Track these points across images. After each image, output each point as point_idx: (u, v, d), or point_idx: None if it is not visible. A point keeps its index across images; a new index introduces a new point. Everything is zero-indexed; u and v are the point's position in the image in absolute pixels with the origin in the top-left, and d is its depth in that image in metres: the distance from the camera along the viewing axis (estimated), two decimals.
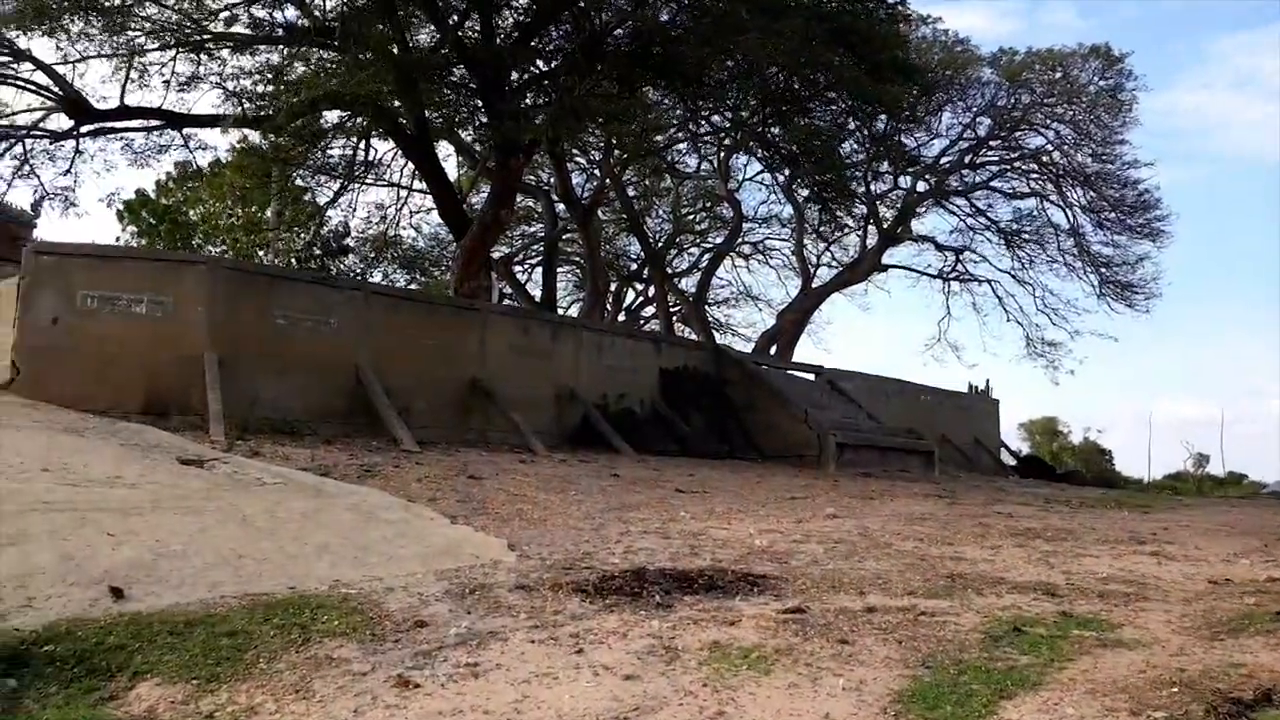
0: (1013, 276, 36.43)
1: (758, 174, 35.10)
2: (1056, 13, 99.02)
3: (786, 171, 28.24)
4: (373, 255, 39.15)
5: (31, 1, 15.95)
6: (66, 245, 15.58)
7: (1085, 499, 18.09)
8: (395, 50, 17.54)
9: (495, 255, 30.71)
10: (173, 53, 19.98)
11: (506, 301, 34.49)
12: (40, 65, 17.91)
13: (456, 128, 24.11)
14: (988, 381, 36.39)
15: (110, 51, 18.81)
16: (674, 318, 37.89)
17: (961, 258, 37.02)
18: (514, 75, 19.78)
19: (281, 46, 20.80)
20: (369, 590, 6.92)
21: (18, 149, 19.15)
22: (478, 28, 19.37)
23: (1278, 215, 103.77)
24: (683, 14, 19.62)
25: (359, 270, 40.29)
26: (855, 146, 29.58)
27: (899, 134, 29.66)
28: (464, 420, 18.36)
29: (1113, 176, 33.41)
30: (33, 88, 18.00)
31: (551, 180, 32.92)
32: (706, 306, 38.54)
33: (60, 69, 18.56)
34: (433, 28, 21.02)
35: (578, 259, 39.69)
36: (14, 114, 18.66)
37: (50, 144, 19.49)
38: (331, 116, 24.19)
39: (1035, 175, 35.08)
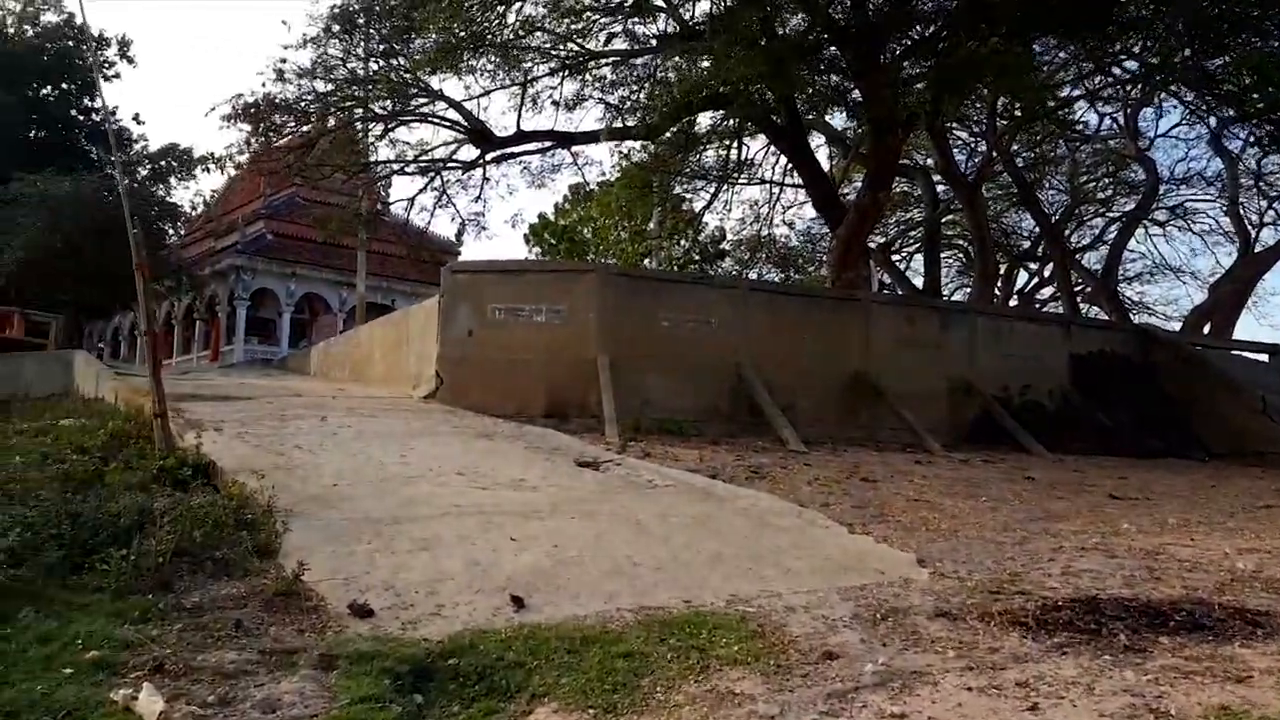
0: None
1: (1173, 128, 30.25)
2: None
3: (1221, 114, 23.81)
4: (747, 256, 39.40)
5: (439, 45, 17.69)
6: (477, 263, 16.95)
7: None
8: (764, 39, 17.05)
9: (871, 245, 29.34)
10: (559, 77, 21.24)
11: (886, 291, 32.90)
12: (451, 103, 19.92)
13: (829, 108, 23.17)
14: None
15: (506, 83, 20.41)
16: (1077, 298, 33.88)
17: None
18: (889, 46, 18.46)
19: (654, 56, 21.25)
20: (768, 609, 6.24)
21: (436, 181, 21.53)
22: (847, 3, 18.33)
23: None
24: None
25: (736, 272, 40.80)
26: None
27: None
28: (849, 417, 17.35)
29: None
30: (446, 124, 20.05)
31: (929, 160, 30.81)
32: (1117, 283, 33.97)
33: (467, 105, 20.52)
34: (801, 15, 20.31)
35: (961, 242, 36.89)
36: (432, 149, 20.98)
37: (462, 174, 21.70)
38: (704, 122, 24.45)
39: None
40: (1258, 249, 30.25)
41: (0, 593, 5.29)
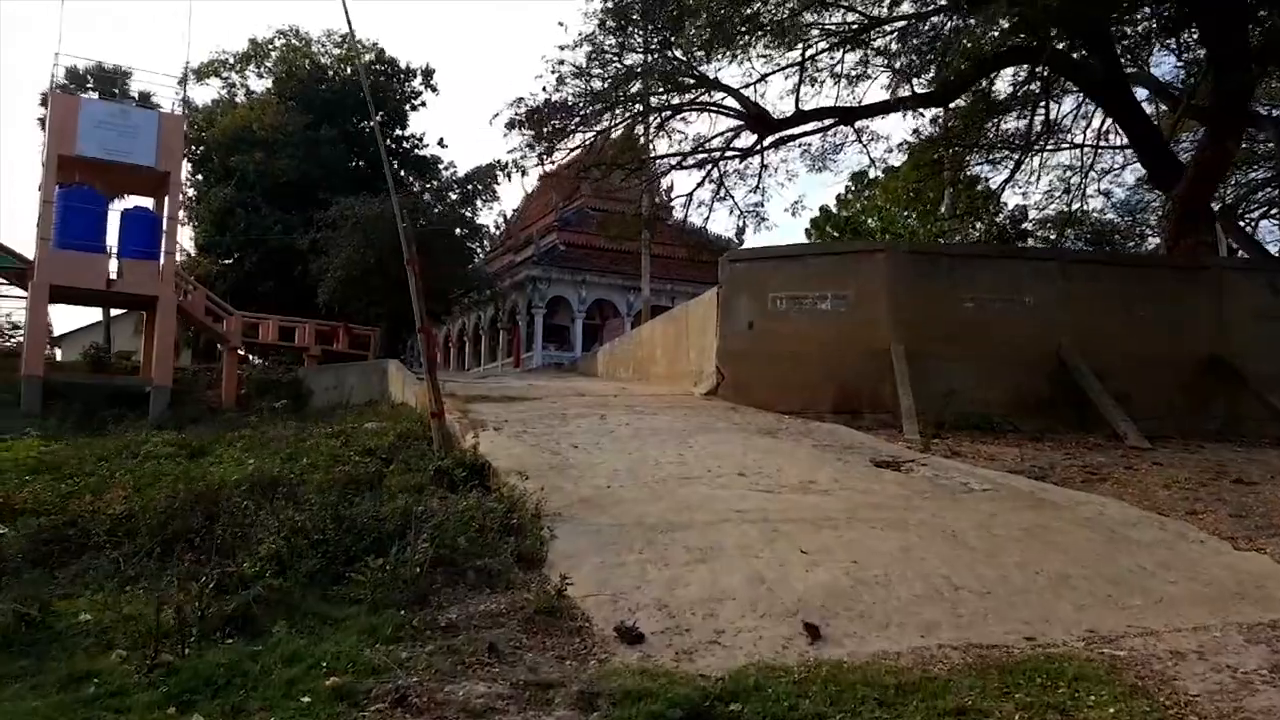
0: None
1: None
2: None
3: None
4: (1055, 235, 35.46)
5: (711, 25, 16.97)
6: (755, 250, 15.99)
7: None
8: None
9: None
10: (839, 51, 19.83)
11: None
12: (727, 90, 19.13)
13: (1154, 49, 19.92)
14: None
15: (782, 64, 19.33)
16: None
17: None
18: None
19: (947, 15, 19.27)
20: (1144, 653, 4.75)
21: (714, 173, 20.86)
22: None
23: None
24: None
25: None
26: None
27: None
28: (1200, 407, 14.54)
29: None
30: (722, 111, 19.31)
31: None
32: None
33: (743, 92, 19.67)
34: None
35: None
36: (708, 140, 20.35)
37: (739, 162, 20.87)
38: (1001, 87, 22.01)
39: None
40: None
41: (259, 603, 5.00)
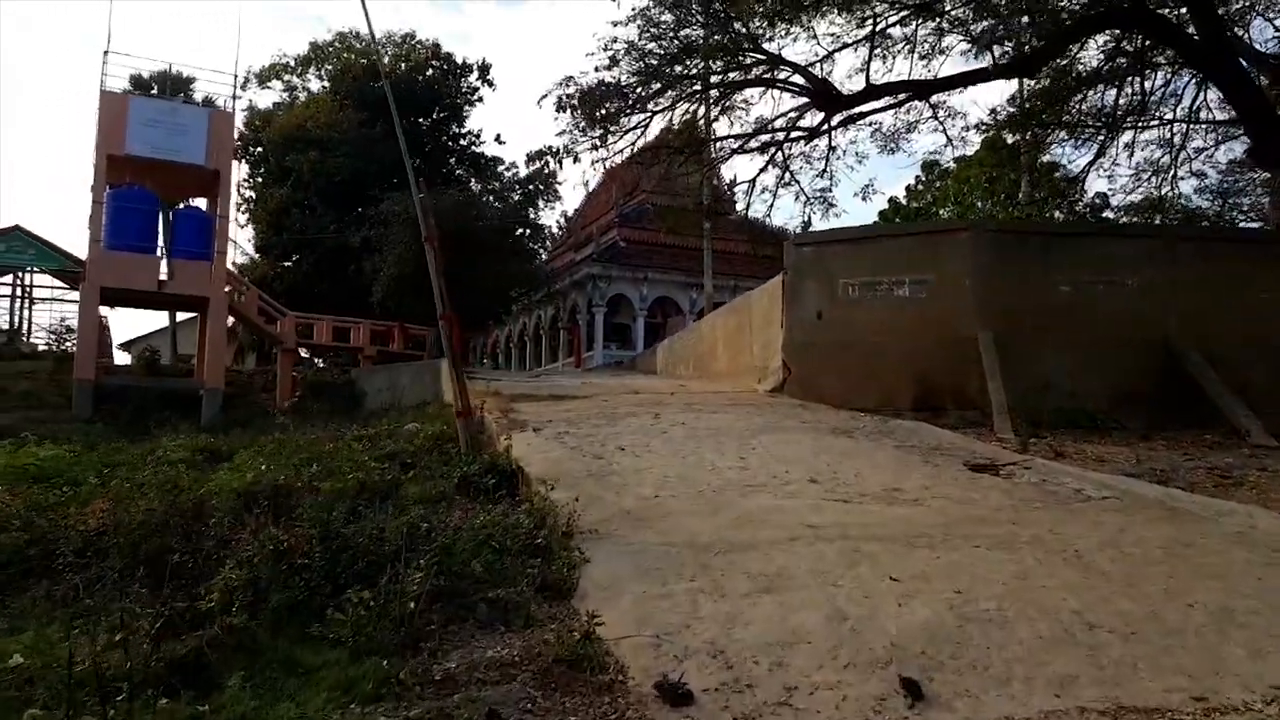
0: None
1: None
2: None
3: None
4: (1140, 222, 33.26)
5: None
6: (824, 233, 14.72)
7: None
8: None
9: None
10: (911, 24, 18.41)
11: None
12: (792, 66, 17.87)
13: (1260, 7, 18.12)
14: None
15: (850, 39, 18.01)
16: None
17: None
18: None
19: None
20: None
21: (778, 157, 19.61)
22: None
23: None
24: None
25: None
26: None
27: None
28: None
29: None
30: (787, 87, 18.01)
31: None
32: None
33: (810, 70, 18.37)
34: None
35: None
36: (772, 122, 19.09)
37: (805, 144, 19.57)
38: (1088, 61, 20.35)
39: None
40: None
41: (216, 647, 4.01)
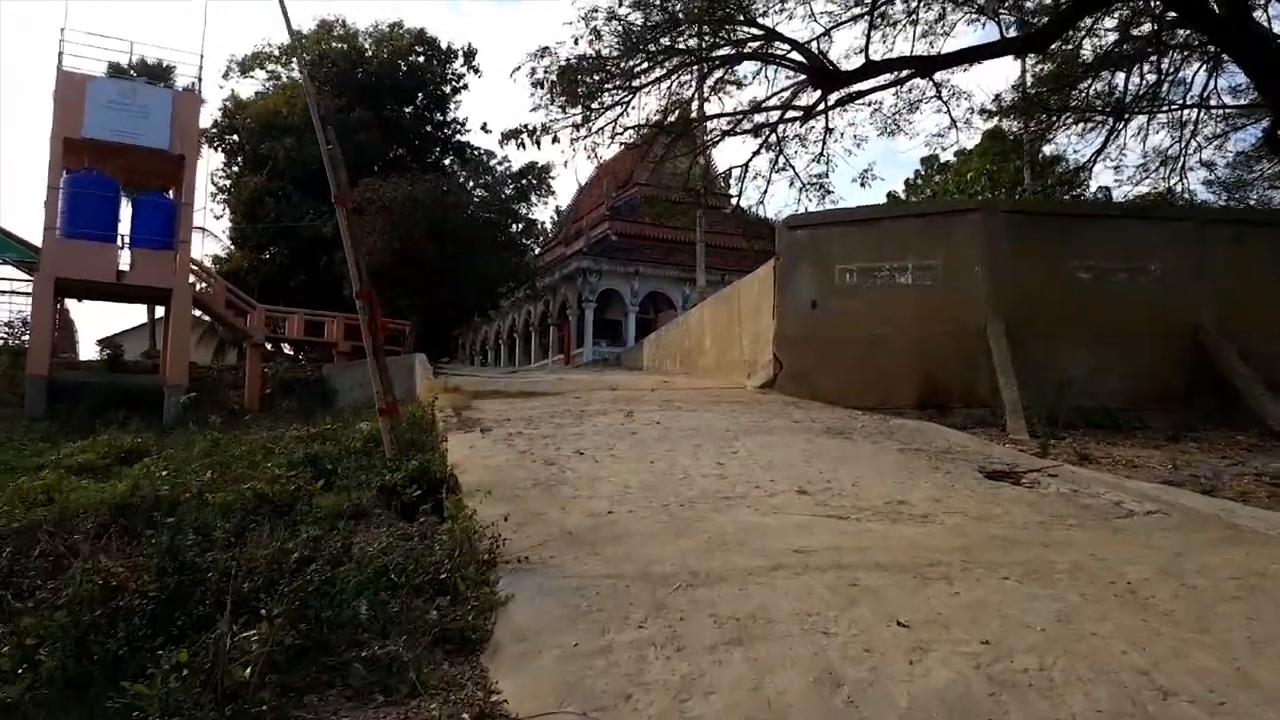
0: None
1: None
2: None
3: None
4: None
5: None
6: (819, 214, 13.52)
7: None
8: None
9: None
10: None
11: None
12: (789, 41, 16.66)
13: None
14: None
15: (848, 14, 16.83)
16: None
17: None
18: None
19: None
20: None
21: (772, 139, 18.39)
22: None
23: None
24: None
25: None
26: None
27: None
28: None
29: None
30: (782, 62, 16.80)
31: None
32: None
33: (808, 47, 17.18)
34: None
35: None
36: (766, 101, 17.88)
37: (800, 126, 18.37)
38: (1098, 45, 19.23)
39: None
40: None
41: None
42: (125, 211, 22.99)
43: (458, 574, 4.19)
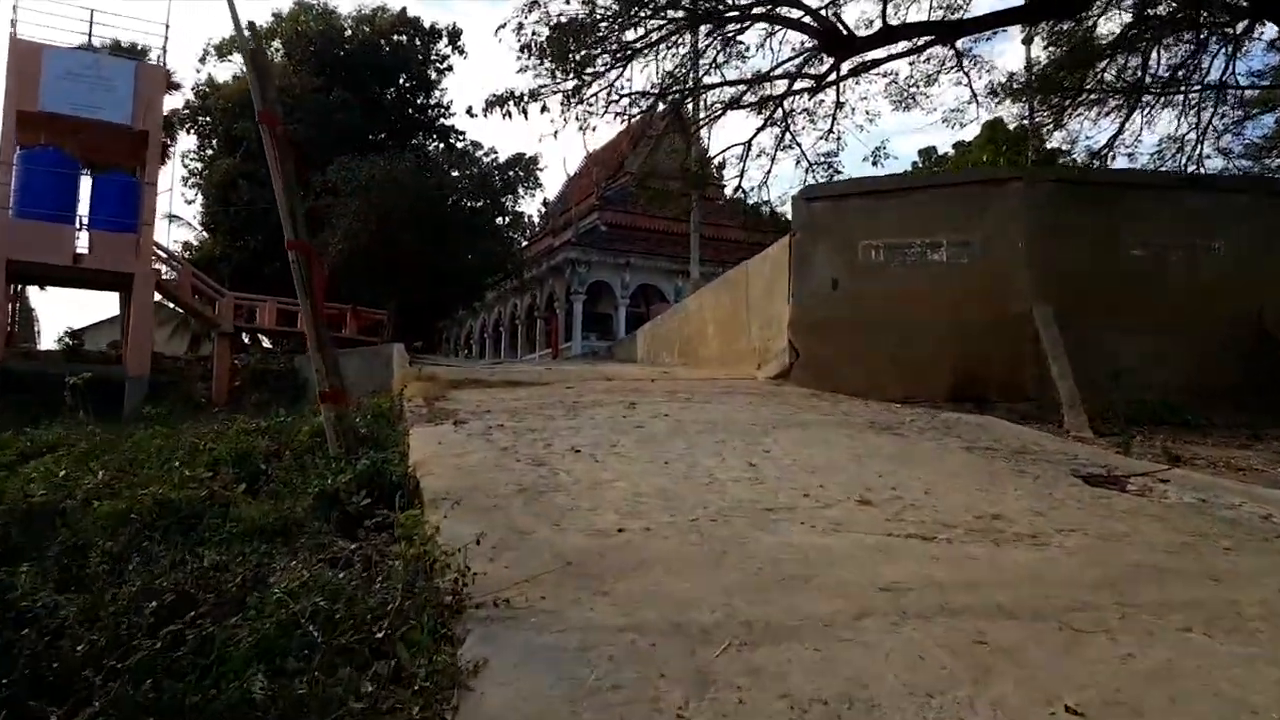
0: None
1: None
2: None
3: None
4: None
5: None
6: (840, 184, 12.21)
7: None
8: None
9: None
10: None
11: None
12: (798, 4, 15.36)
13: None
14: None
15: None
16: None
17: None
18: None
19: None
20: None
21: (777, 113, 17.08)
22: None
23: None
24: None
25: None
26: None
27: None
28: None
29: None
30: (792, 25, 15.42)
31: None
32: None
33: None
34: None
35: None
36: (771, 71, 16.54)
37: (809, 99, 17.03)
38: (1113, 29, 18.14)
39: None
40: None
41: None
42: (86, 192, 21.57)
43: (404, 628, 2.83)
